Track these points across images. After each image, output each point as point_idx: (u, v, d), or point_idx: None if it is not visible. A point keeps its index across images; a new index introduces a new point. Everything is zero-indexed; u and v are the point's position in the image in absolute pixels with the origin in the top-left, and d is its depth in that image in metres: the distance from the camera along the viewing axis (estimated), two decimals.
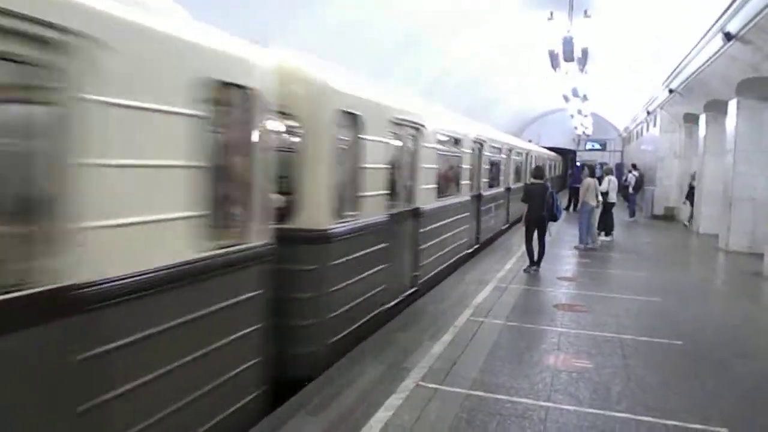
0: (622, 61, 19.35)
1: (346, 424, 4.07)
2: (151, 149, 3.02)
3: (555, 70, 15.41)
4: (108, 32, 2.66)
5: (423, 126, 7.88)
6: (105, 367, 2.75)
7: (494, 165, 13.97)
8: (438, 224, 8.77)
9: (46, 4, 2.39)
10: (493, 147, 13.65)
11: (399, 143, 7.22)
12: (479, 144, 11.97)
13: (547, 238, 10.43)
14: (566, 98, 25.19)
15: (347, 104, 5.50)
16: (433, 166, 8.55)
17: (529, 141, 28.07)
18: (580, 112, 30.90)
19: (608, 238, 14.49)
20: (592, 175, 13.64)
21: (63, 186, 2.52)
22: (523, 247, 10.41)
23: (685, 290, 9.36)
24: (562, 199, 16.47)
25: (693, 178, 17.88)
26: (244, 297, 3.87)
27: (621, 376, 5.21)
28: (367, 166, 5.93)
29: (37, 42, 2.37)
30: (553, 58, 14.24)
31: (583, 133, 39.22)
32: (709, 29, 11.56)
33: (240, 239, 3.85)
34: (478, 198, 11.96)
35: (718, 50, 11.58)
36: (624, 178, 23.71)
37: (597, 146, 40.29)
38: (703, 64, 13.11)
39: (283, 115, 4.84)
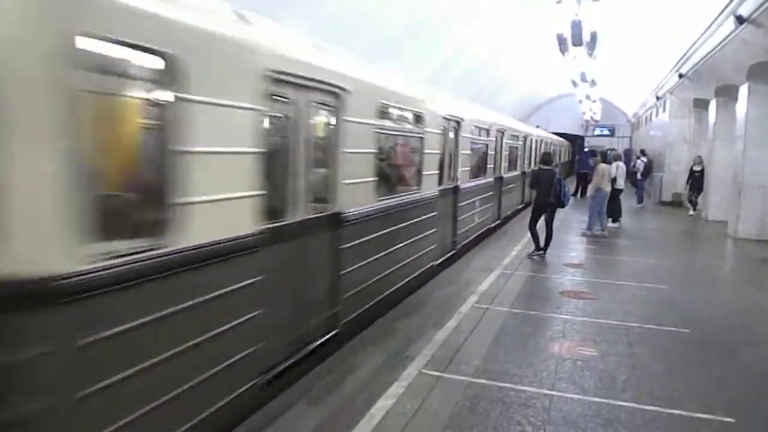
0: (631, 46, 19.05)
1: (347, 413, 4.05)
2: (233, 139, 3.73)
3: (563, 55, 15.25)
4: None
5: (462, 119, 9.68)
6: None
7: (512, 151, 15.38)
8: (470, 200, 10.59)
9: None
10: (512, 135, 15.11)
11: (447, 135, 9.09)
12: (501, 133, 13.39)
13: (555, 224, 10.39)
14: (574, 83, 24.94)
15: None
16: (468, 152, 10.25)
17: (537, 126, 27.85)
18: (588, 97, 30.61)
19: (616, 225, 14.35)
20: (604, 160, 13.39)
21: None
22: (529, 234, 10.36)
23: (693, 277, 9.29)
24: (570, 185, 16.38)
25: (695, 162, 17.68)
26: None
27: (626, 364, 5.18)
28: (430, 152, 7.94)
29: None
30: (561, 42, 14.07)
31: (591, 118, 38.92)
32: (721, 12, 11.35)
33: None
34: (500, 180, 13.53)
35: (730, 34, 11.38)
36: (632, 163, 23.51)
37: (606, 132, 39.92)
38: (714, 48, 12.90)
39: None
